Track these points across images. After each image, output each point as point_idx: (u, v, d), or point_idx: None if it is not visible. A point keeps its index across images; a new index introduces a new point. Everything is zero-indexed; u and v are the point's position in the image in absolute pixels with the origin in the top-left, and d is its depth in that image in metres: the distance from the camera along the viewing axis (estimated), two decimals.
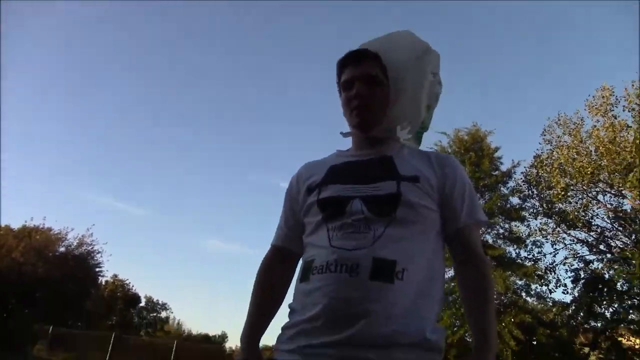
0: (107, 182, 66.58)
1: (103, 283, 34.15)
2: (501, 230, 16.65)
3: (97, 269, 28.91)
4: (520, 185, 17.46)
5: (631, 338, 16.43)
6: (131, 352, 25.57)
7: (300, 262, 1.56)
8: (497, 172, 16.54)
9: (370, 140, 1.63)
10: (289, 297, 1.58)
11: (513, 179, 17.06)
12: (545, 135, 17.35)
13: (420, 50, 1.71)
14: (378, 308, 1.28)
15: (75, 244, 28.12)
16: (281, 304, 1.67)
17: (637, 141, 14.17)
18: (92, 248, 28.48)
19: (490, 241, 16.39)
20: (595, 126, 15.93)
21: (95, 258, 28.63)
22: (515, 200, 17.09)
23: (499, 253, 15.24)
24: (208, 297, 78.64)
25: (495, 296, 1.38)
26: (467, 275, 1.48)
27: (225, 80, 72.29)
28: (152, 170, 71.87)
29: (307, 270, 1.44)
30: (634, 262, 14.62)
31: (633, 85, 15.20)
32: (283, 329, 1.46)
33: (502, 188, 16.74)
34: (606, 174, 15.43)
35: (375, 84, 1.59)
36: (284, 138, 72.73)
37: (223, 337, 47.94)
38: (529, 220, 17.27)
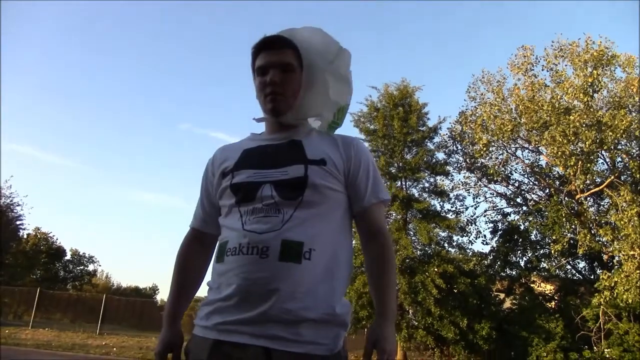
0: (29, 131, 63.34)
1: (25, 236, 32.86)
2: (426, 185, 17.28)
3: (18, 222, 27.75)
4: (446, 141, 18.09)
5: (542, 284, 17.81)
6: (58, 306, 25.05)
7: (217, 242, 1.63)
8: (424, 128, 16.95)
9: (282, 124, 1.68)
10: (208, 275, 1.66)
11: (439, 134, 17.62)
12: (469, 92, 17.90)
13: (334, 51, 1.74)
14: (286, 287, 1.36)
15: None
16: (201, 283, 1.74)
17: (553, 100, 14.91)
18: (11, 200, 27.19)
19: (416, 195, 17.00)
20: (516, 84, 16.59)
21: (15, 210, 27.40)
22: (440, 155, 17.77)
23: (424, 206, 15.79)
24: (137, 250, 77.54)
25: (395, 267, 1.51)
26: (372, 249, 1.59)
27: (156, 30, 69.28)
28: (78, 120, 68.77)
29: (221, 251, 1.52)
30: (546, 214, 15.65)
31: (552, 45, 15.91)
32: (202, 305, 1.53)
33: (428, 143, 17.25)
34: (525, 131, 16.19)
35: (289, 72, 1.64)
36: (217, 94, 71.19)
37: (154, 290, 47.73)
38: (453, 175, 18.03)
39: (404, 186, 16.95)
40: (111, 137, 70.03)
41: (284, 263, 1.38)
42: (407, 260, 15.28)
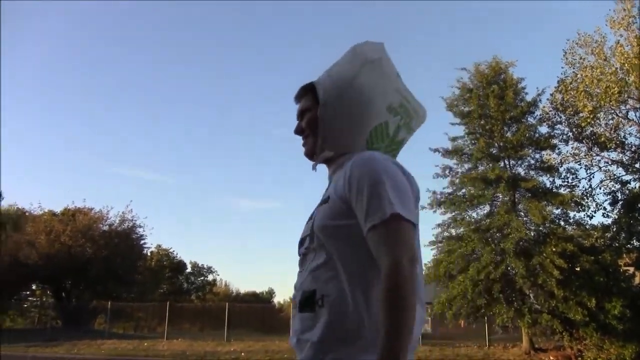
0: (134, 156, 67.89)
1: (149, 254, 35.33)
2: (532, 161, 16.52)
3: (142, 242, 29.85)
4: (547, 113, 17.10)
5: None
6: (186, 317, 26.73)
7: None
8: (522, 103, 16.24)
9: (326, 165, 1.68)
10: None
11: (539, 107, 16.75)
12: (567, 57, 16.83)
13: (356, 67, 1.63)
14: (306, 337, 1.36)
15: (117, 221, 29.06)
16: None
17: None
18: (133, 224, 29.39)
19: (522, 173, 16.34)
20: (618, 42, 15.42)
21: (137, 232, 29.55)
22: (543, 129, 16.81)
23: (533, 184, 15.14)
24: (249, 255, 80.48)
25: (402, 296, 1.21)
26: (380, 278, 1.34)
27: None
28: (171, 136, 72.71)
29: None
30: None
31: None
32: None
33: (529, 118, 16.49)
34: (635, 90, 15.02)
35: (305, 116, 1.68)
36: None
37: (270, 293, 49.51)
38: (560, 148, 17.07)
39: (507, 166, 16.35)
40: (206, 148, 73.22)
41: (303, 314, 1.40)
42: (522, 243, 14.73)
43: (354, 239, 1.36)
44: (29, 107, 64.20)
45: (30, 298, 33.20)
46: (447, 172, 16.97)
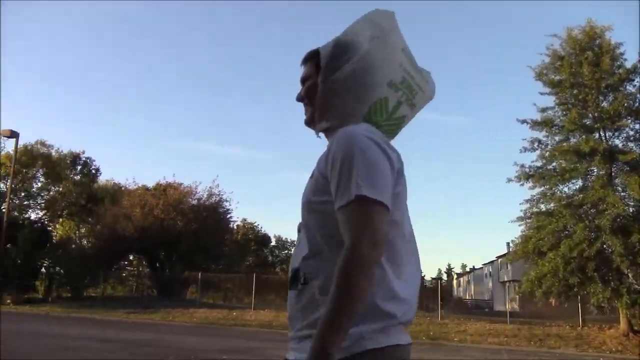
0: (221, 133, 70.14)
1: (235, 228, 36.56)
2: (631, 132, 15.53)
3: (228, 216, 30.86)
4: None
5: None
6: (271, 288, 27.57)
7: None
8: (620, 70, 15.21)
9: (325, 136, 1.59)
10: None
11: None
12: None
13: (362, 38, 1.53)
14: (291, 313, 1.36)
15: (205, 196, 30.23)
16: None
17: None
18: (220, 198, 30.46)
19: (620, 145, 15.39)
20: None
21: (224, 206, 30.58)
22: None
23: (632, 157, 14.28)
24: None
25: (350, 281, 1.13)
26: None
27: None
28: (257, 112, 74.21)
29: None
30: None
31: None
32: None
33: (627, 86, 15.46)
34: None
35: (306, 83, 1.59)
36: None
37: None
38: None
39: (603, 138, 15.43)
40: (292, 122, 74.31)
41: (291, 291, 1.37)
42: (619, 219, 13.94)
43: (333, 216, 1.28)
44: (126, 92, 68.01)
45: (127, 268, 35.41)
46: (535, 144, 16.29)
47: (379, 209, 1.24)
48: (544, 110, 16.25)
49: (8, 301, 24.05)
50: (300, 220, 1.43)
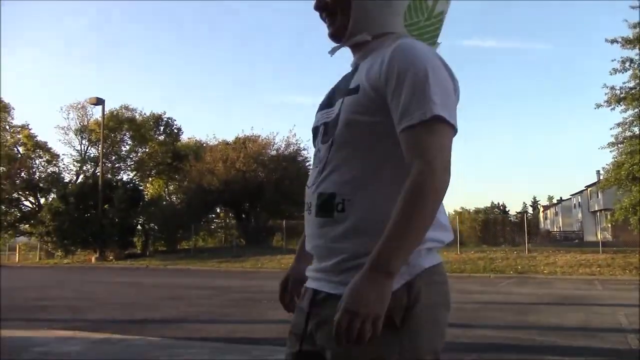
0: (292, 85, 70.38)
1: None
2: None
3: (307, 164, 31.36)
4: None
5: None
6: None
7: None
8: None
9: (352, 49, 1.41)
10: None
11: None
12: None
13: None
14: (321, 243, 1.25)
15: (283, 146, 30.79)
16: None
17: None
18: (298, 147, 30.93)
19: None
20: None
21: (302, 154, 31.10)
22: None
23: None
24: None
25: (425, 197, 1.06)
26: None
27: None
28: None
29: None
30: None
31: None
32: None
33: None
34: None
35: None
36: None
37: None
38: None
39: None
40: None
41: (319, 218, 1.25)
42: None
43: (384, 138, 1.20)
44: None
45: (215, 220, 37.03)
46: (627, 64, 15.12)
47: (451, 132, 1.17)
48: (636, 25, 14.97)
49: (111, 257, 26.04)
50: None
